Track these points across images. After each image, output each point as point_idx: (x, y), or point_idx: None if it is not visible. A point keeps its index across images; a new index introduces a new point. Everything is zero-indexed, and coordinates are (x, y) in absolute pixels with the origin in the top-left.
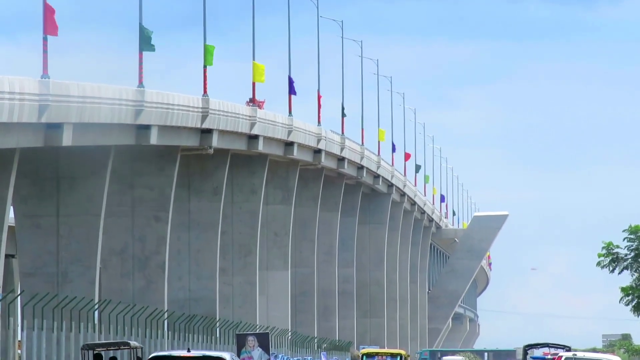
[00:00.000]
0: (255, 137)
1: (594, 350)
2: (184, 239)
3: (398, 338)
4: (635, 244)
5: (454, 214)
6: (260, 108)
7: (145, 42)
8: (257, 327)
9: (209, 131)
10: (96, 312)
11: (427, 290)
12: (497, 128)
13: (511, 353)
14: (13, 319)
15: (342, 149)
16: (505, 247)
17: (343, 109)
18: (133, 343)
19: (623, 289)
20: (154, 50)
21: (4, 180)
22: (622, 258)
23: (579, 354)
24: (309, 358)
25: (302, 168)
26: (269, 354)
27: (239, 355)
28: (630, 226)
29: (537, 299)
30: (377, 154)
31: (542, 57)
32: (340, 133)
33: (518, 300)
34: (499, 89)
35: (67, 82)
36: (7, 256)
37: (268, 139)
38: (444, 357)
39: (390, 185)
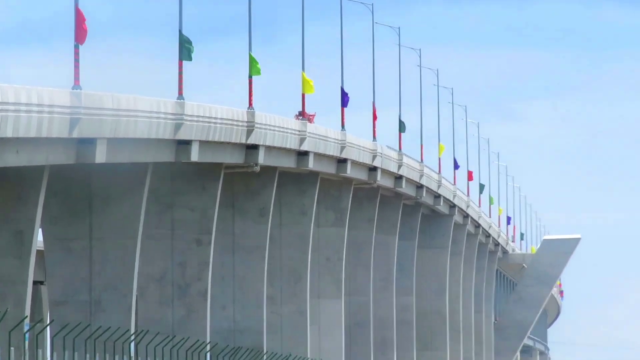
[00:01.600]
0: (305, 153)
1: None
2: (227, 264)
3: None
4: None
5: (521, 237)
6: (310, 122)
7: (185, 50)
8: None
9: (254, 147)
10: (132, 344)
11: (493, 321)
12: (568, 144)
13: None
14: (42, 351)
15: (399, 167)
16: (578, 274)
17: (401, 123)
18: None
19: None
20: (190, 59)
21: (32, 200)
22: None
23: None
24: None
25: (356, 187)
26: None
27: None
28: None
29: (615, 330)
30: (437, 172)
31: (618, 67)
32: (398, 149)
33: (593, 332)
34: (569, 101)
35: (100, 93)
36: (35, 283)
37: (319, 156)
38: None
39: (453, 206)
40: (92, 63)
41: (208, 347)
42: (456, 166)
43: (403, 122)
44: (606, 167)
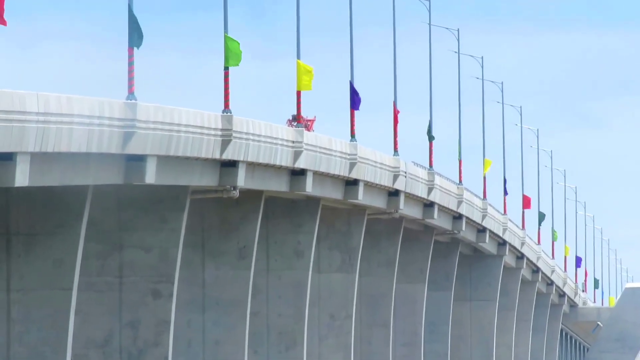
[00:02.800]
0: (302, 172)
1: None
2: (196, 324)
3: None
4: None
5: (596, 285)
6: (308, 130)
7: (136, 34)
8: None
9: (232, 164)
10: None
11: None
12: None
13: None
14: None
15: (430, 190)
16: None
17: (430, 128)
18: None
19: None
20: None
21: None
22: None
23: None
24: None
25: (371, 218)
26: None
27: None
28: None
29: None
30: (482, 197)
31: None
32: (428, 166)
33: None
34: None
35: (22, 92)
36: None
37: (320, 176)
38: None
39: (502, 244)
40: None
41: None
42: (506, 191)
43: (433, 137)
44: None
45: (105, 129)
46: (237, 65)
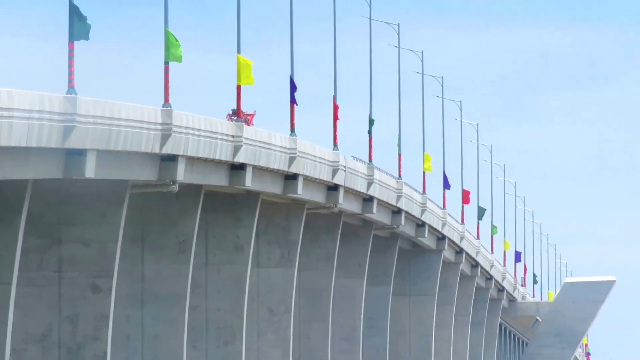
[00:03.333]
0: (241, 167)
1: None
2: (134, 318)
3: None
4: None
5: (534, 280)
6: (248, 124)
7: (79, 26)
8: None
9: (172, 158)
10: None
11: None
12: (599, 155)
13: None
14: None
15: (369, 185)
16: (611, 330)
17: (371, 121)
18: None
19: None
20: (86, 38)
21: None
22: None
23: None
24: None
25: (311, 213)
26: None
27: None
28: None
29: None
30: (421, 191)
31: None
32: (367, 160)
33: None
34: (604, 96)
35: None
36: None
37: (260, 170)
38: None
39: (441, 238)
40: None
41: None
42: (447, 185)
43: (373, 120)
44: None
45: (45, 123)
46: (179, 62)
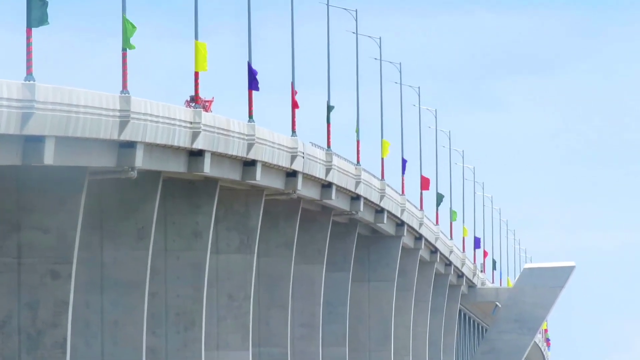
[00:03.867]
0: (200, 153)
1: None
2: (94, 304)
3: None
4: None
5: (494, 266)
6: (206, 111)
7: (37, 12)
8: None
9: (130, 145)
10: None
11: None
12: (558, 140)
13: None
14: None
15: (328, 171)
16: (570, 315)
17: (329, 107)
18: None
19: None
20: (46, 23)
21: None
22: None
23: None
24: None
25: (270, 199)
26: None
27: None
28: None
29: None
30: (380, 177)
31: (627, 31)
32: (326, 147)
33: None
34: (563, 80)
35: None
36: None
37: (218, 157)
38: None
39: (401, 224)
40: None
41: None
42: (404, 167)
43: (332, 107)
44: (612, 171)
45: (3, 110)
46: (134, 48)
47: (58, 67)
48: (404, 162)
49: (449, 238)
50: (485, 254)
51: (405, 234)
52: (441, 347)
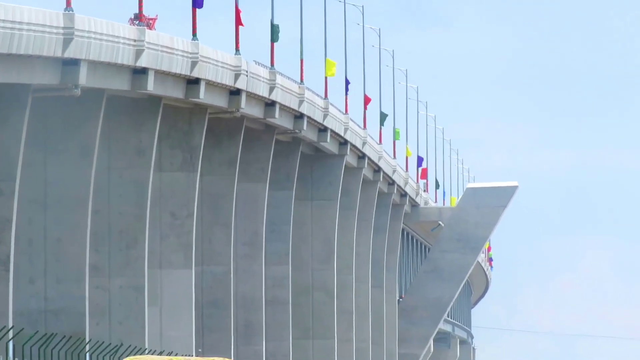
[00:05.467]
0: (143, 71)
1: None
2: (37, 222)
3: None
4: None
5: (437, 185)
6: (150, 28)
7: None
8: (147, 352)
9: (74, 62)
10: None
11: (397, 299)
12: (503, 57)
13: None
14: None
15: (271, 89)
16: (512, 235)
17: (273, 27)
18: None
19: None
20: None
21: None
22: None
23: None
24: None
25: (213, 117)
26: None
27: None
28: None
29: (562, 311)
30: (323, 96)
31: None
32: (270, 65)
33: (532, 314)
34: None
35: None
36: None
37: (162, 75)
38: None
39: (344, 143)
40: None
41: (10, 334)
42: (348, 89)
43: (277, 26)
44: (555, 91)
45: None
46: None
47: None
48: (347, 81)
49: (393, 157)
50: (427, 173)
51: (348, 153)
52: (384, 266)
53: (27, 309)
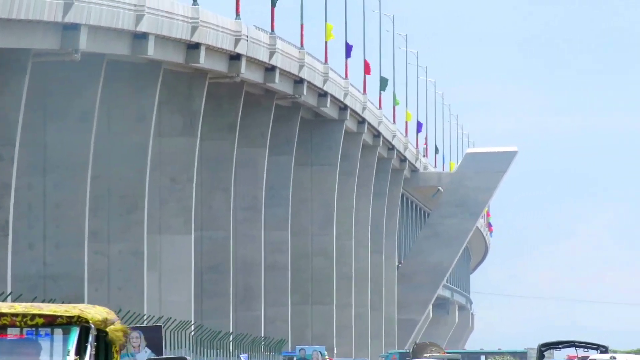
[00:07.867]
0: (143, 36)
1: None
2: (36, 187)
3: (353, 335)
4: None
5: (436, 150)
6: None
7: None
8: (145, 317)
9: (74, 27)
10: None
11: (396, 264)
12: (504, 20)
13: (521, 355)
14: None
15: (272, 54)
16: (512, 200)
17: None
18: None
19: None
20: None
21: None
22: None
23: (620, 357)
24: None
25: (213, 82)
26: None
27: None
28: None
29: (559, 277)
30: (323, 61)
31: None
32: (270, 30)
33: (530, 280)
34: None
35: None
36: None
37: (162, 39)
38: None
39: (343, 108)
40: None
41: (9, 300)
42: (349, 54)
43: None
44: (556, 57)
45: None
46: None
47: None
48: (348, 46)
49: (392, 122)
50: (427, 139)
51: (348, 117)
52: (383, 231)
53: (26, 274)
